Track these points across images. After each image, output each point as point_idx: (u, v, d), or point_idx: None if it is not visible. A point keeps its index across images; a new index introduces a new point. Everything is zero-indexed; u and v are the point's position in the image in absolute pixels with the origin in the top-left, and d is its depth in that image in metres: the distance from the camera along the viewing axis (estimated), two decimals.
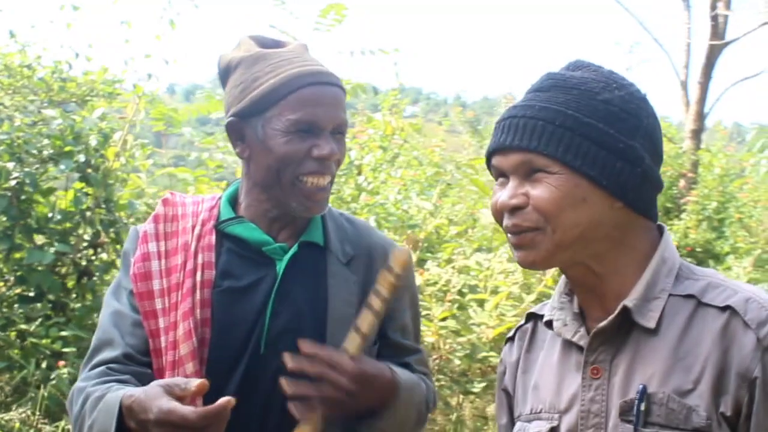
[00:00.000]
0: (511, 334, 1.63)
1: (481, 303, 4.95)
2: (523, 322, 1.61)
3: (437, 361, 4.83)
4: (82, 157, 4.66)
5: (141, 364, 1.77)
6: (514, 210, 1.38)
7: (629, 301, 1.37)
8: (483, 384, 4.97)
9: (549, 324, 1.49)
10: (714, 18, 10.58)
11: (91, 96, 5.19)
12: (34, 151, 4.67)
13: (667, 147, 10.10)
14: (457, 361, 4.86)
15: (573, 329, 1.44)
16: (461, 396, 5.10)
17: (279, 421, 1.69)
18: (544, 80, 1.43)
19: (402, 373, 1.76)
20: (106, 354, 1.78)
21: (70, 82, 5.33)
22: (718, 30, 10.72)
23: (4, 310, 4.52)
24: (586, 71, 1.43)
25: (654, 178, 1.39)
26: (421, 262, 5.21)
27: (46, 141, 4.70)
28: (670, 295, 1.38)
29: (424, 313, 4.83)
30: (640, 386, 1.33)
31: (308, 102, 1.74)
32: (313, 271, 1.82)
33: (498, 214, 1.42)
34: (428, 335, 4.74)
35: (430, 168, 7.04)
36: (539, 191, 1.36)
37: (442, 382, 4.91)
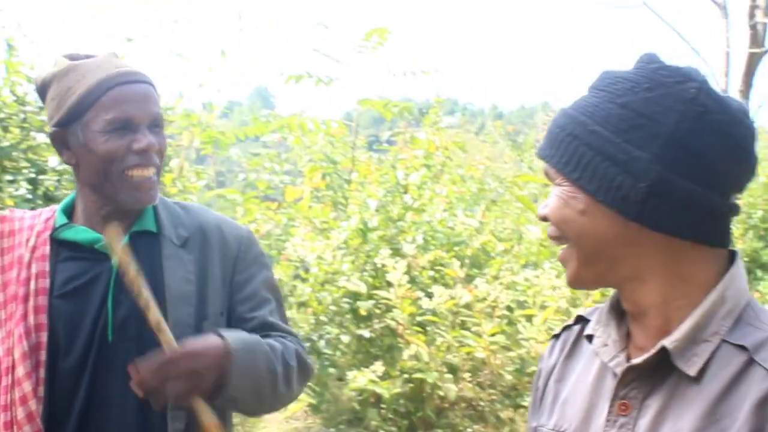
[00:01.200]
0: (557, 331, 1.50)
1: (529, 318, 5.00)
2: (571, 322, 1.48)
3: (488, 375, 4.90)
4: None
5: None
6: (545, 220, 1.31)
7: (670, 342, 1.20)
8: None
9: (590, 338, 1.37)
10: (753, 26, 10.53)
11: None
12: None
13: None
14: (508, 376, 4.91)
15: (612, 353, 1.30)
16: (512, 410, 5.15)
17: (139, 402, 1.78)
18: (597, 79, 1.29)
19: (235, 337, 1.82)
20: None
21: None
22: (757, 38, 10.66)
23: None
24: (639, 67, 1.25)
25: (689, 196, 1.18)
26: (469, 278, 5.28)
27: None
28: (723, 340, 1.20)
29: (473, 328, 4.91)
30: None
31: (120, 100, 1.82)
32: (148, 257, 1.88)
33: None
34: (479, 351, 4.81)
35: (473, 184, 7.11)
36: (550, 201, 1.29)
37: (493, 397, 4.98)
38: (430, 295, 5.06)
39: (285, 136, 6.56)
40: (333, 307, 5.30)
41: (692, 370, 1.18)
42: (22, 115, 4.61)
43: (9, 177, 4.59)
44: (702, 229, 1.20)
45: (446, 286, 5.19)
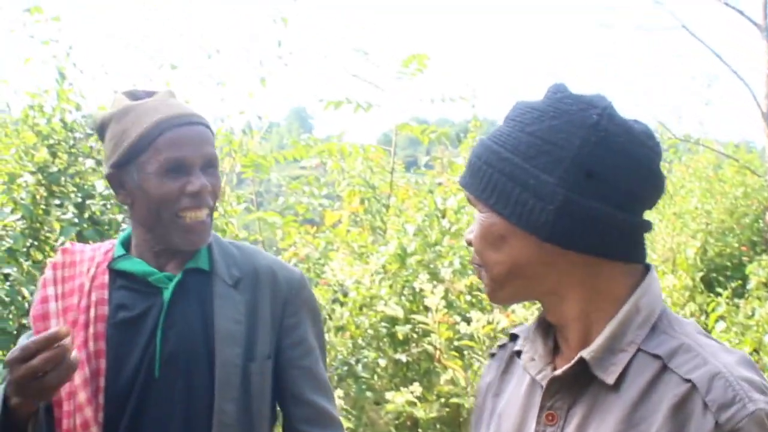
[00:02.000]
0: (493, 350, 1.57)
1: None
2: (506, 340, 1.54)
3: None
4: None
5: None
6: (470, 245, 1.37)
7: (587, 353, 1.26)
8: None
9: (519, 353, 1.42)
10: None
11: None
12: None
13: (751, 179, 10.01)
14: None
15: (539, 366, 1.36)
16: None
17: None
18: (510, 109, 1.35)
19: None
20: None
21: None
22: None
23: None
24: (547, 97, 1.31)
25: (595, 216, 1.24)
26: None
27: None
28: (639, 349, 1.25)
29: None
30: None
31: (174, 143, 1.85)
32: (199, 295, 1.92)
33: None
34: None
35: None
36: (474, 227, 1.35)
37: None
38: (467, 320, 5.09)
39: (324, 160, 6.63)
40: (371, 331, 5.34)
41: (610, 379, 1.24)
42: (71, 141, 4.73)
43: (57, 201, 4.72)
44: (612, 246, 1.26)
45: (483, 311, 5.21)
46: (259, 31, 5.52)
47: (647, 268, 1.33)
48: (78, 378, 1.83)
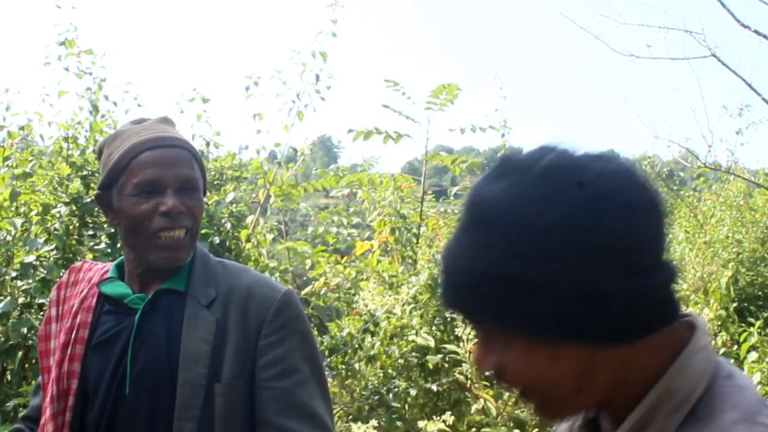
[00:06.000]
0: None
1: None
2: None
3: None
4: (216, 239, 4.93)
5: (36, 421, 2.02)
6: (502, 377, 1.16)
7: None
8: None
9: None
10: None
11: (220, 181, 5.50)
12: None
13: None
14: None
15: None
16: None
17: None
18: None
19: None
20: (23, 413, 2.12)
21: None
22: None
23: None
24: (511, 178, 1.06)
25: (612, 300, 1.00)
26: None
27: None
28: None
29: None
30: None
31: (147, 165, 1.89)
32: (170, 316, 1.91)
33: None
34: None
35: None
36: (500, 361, 1.13)
37: None
38: None
39: (355, 190, 6.66)
40: (401, 361, 5.33)
41: None
42: None
43: (90, 231, 4.76)
44: (642, 317, 1.03)
45: None
46: (297, 65, 5.49)
47: (690, 326, 1.10)
48: (48, 395, 1.91)
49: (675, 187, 11.58)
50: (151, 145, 1.92)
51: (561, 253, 0.99)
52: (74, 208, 4.74)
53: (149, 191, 1.88)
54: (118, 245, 4.60)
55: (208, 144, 5.69)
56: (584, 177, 1.02)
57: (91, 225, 4.81)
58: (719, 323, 7.56)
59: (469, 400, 5.13)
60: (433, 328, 5.39)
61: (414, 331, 5.27)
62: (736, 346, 6.88)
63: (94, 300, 1.98)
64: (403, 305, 5.35)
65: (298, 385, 1.90)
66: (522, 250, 1.01)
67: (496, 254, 1.03)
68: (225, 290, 1.95)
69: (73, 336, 1.94)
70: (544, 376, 1.06)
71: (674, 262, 1.07)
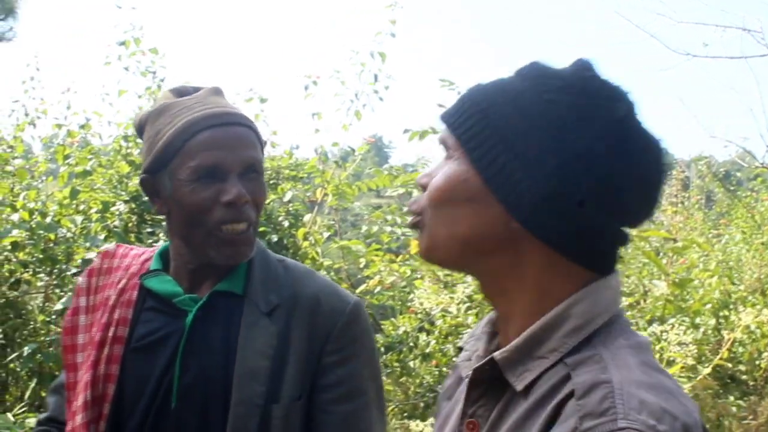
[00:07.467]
0: (460, 344, 1.36)
1: None
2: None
3: None
4: (274, 237, 4.95)
5: (61, 423, 1.78)
6: (424, 189, 1.18)
7: (499, 353, 1.10)
8: None
9: (460, 350, 1.28)
10: None
11: (277, 180, 5.53)
12: None
13: None
14: None
15: (473, 367, 1.17)
16: None
17: None
18: (527, 66, 1.16)
19: None
20: (44, 415, 1.91)
21: None
22: None
23: None
24: (575, 71, 1.13)
25: (582, 216, 1.07)
26: None
27: None
28: (562, 359, 1.07)
29: None
30: None
31: (207, 146, 1.63)
32: (226, 322, 1.69)
33: None
34: None
35: None
36: (433, 173, 1.17)
37: None
38: None
39: (410, 190, 6.65)
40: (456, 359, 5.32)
41: (520, 385, 1.08)
42: None
43: (149, 229, 4.82)
44: (588, 251, 1.10)
45: None
46: (356, 65, 5.51)
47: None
48: (80, 400, 1.68)
49: (732, 188, 11.40)
50: (211, 122, 1.66)
51: (571, 147, 1.06)
52: (133, 205, 4.80)
53: (208, 177, 1.64)
54: None
55: (264, 144, 5.71)
56: (629, 128, 1.10)
57: (149, 222, 4.86)
58: None
59: None
60: None
61: (469, 330, 5.25)
62: None
63: (135, 293, 1.76)
64: (458, 304, 5.33)
65: (361, 410, 1.72)
66: (521, 106, 1.09)
67: (502, 97, 1.11)
68: (288, 297, 1.72)
69: (110, 333, 1.72)
70: (458, 213, 1.12)
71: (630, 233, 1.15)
